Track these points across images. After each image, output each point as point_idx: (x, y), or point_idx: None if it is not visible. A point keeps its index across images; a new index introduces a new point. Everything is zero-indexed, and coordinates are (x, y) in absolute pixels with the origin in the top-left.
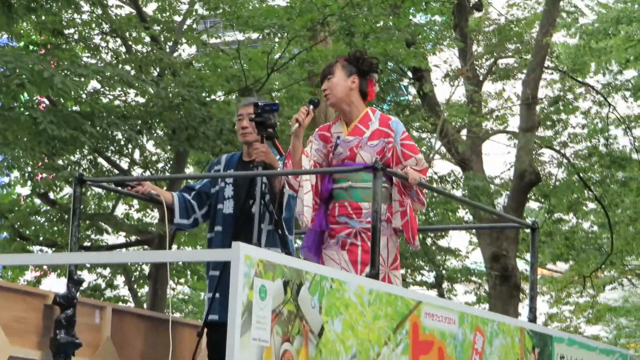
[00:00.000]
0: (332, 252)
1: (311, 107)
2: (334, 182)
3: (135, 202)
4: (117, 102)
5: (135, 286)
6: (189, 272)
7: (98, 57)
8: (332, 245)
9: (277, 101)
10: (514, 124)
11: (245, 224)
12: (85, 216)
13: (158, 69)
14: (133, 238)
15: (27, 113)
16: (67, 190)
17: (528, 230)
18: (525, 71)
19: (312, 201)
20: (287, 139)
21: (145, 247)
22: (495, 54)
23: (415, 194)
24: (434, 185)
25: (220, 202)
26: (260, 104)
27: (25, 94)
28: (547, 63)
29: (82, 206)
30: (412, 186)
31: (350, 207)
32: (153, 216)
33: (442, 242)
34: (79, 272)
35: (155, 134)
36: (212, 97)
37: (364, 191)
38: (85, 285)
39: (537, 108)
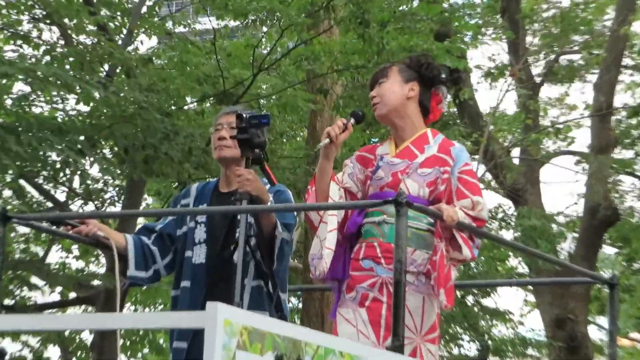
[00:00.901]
0: (346, 310)
1: (352, 120)
2: (365, 216)
3: (75, 246)
4: (50, 111)
5: (73, 359)
6: (146, 342)
7: (30, 49)
8: (347, 302)
9: (266, 112)
10: (583, 141)
11: (222, 277)
12: (6, 265)
13: (107, 67)
14: (71, 294)
15: None
16: None
17: (604, 287)
18: (596, 71)
19: (335, 243)
20: (278, 163)
21: (88, 307)
22: (556, 49)
23: (460, 239)
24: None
25: (189, 249)
26: (245, 115)
27: None
28: (625, 61)
29: (4, 251)
30: (451, 228)
31: (380, 248)
32: (99, 263)
33: (488, 302)
34: None
35: (101, 155)
36: (179, 105)
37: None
38: (6, 358)
39: (613, 120)
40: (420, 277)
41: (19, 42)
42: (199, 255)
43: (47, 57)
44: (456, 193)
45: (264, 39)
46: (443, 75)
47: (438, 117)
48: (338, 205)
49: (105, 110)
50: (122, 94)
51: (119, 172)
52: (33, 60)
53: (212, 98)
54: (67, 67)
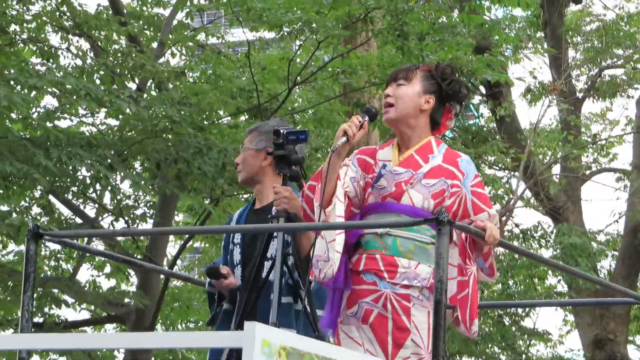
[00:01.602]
0: (349, 327)
1: (366, 118)
2: None
3: (104, 263)
4: (77, 124)
5: None
6: None
7: (55, 64)
8: (349, 318)
9: (304, 128)
10: (625, 159)
11: (257, 297)
12: (36, 282)
13: (137, 80)
14: (102, 313)
15: None
16: (11, 247)
17: None
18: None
19: (343, 246)
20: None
21: (119, 325)
22: (599, 63)
23: (483, 260)
24: (515, 242)
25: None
26: (282, 131)
27: None
28: None
29: (36, 269)
30: (487, 247)
31: (383, 261)
32: (129, 282)
33: (526, 322)
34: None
35: (132, 170)
36: (212, 119)
37: (405, 242)
38: None
39: None
40: (424, 292)
41: (46, 56)
42: (236, 276)
43: (73, 68)
44: (472, 207)
45: (299, 52)
46: (463, 93)
47: (442, 133)
48: (374, 224)
49: (136, 124)
50: (153, 109)
51: (150, 187)
52: (62, 73)
53: (245, 112)
54: (97, 80)
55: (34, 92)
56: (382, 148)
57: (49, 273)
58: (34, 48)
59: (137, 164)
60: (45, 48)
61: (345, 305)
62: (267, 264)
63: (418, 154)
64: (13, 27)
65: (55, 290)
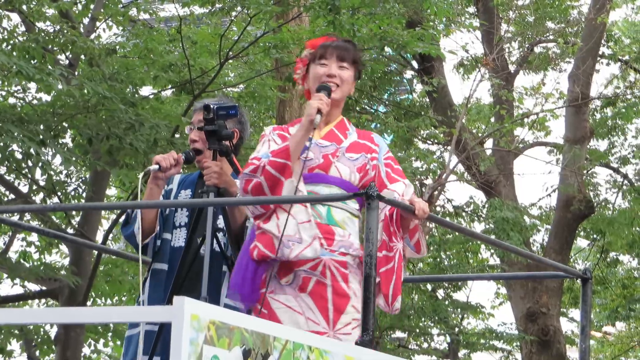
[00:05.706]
0: (287, 297)
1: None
2: None
3: (35, 238)
4: (11, 101)
5: (37, 353)
6: (110, 334)
7: None
8: (284, 288)
9: (234, 102)
10: (558, 132)
11: (197, 265)
12: None
13: (69, 56)
14: (34, 287)
15: None
16: None
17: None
18: (572, 61)
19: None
20: (246, 154)
21: (51, 300)
22: (531, 37)
23: (409, 236)
24: (447, 217)
25: (167, 231)
26: (212, 106)
27: None
28: (601, 50)
29: None
30: (414, 223)
31: (320, 229)
32: (62, 254)
33: (459, 295)
34: None
35: (64, 146)
36: (138, 91)
37: (340, 213)
38: None
39: (589, 111)
40: (356, 261)
41: None
42: (178, 238)
43: (5, 45)
44: (387, 178)
45: (231, 27)
46: None
47: None
48: (304, 198)
49: (67, 100)
50: (84, 85)
51: (81, 163)
52: None
53: (171, 86)
54: (28, 56)
55: None
56: (292, 125)
57: None
58: None
59: (69, 140)
60: None
61: (278, 275)
62: (219, 235)
63: (337, 129)
64: None
65: None
